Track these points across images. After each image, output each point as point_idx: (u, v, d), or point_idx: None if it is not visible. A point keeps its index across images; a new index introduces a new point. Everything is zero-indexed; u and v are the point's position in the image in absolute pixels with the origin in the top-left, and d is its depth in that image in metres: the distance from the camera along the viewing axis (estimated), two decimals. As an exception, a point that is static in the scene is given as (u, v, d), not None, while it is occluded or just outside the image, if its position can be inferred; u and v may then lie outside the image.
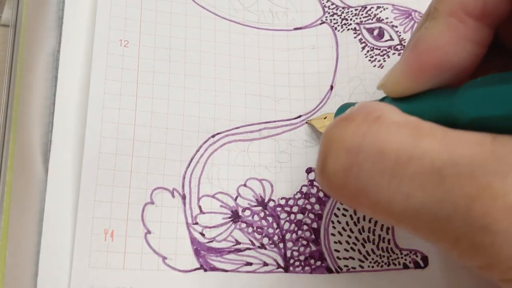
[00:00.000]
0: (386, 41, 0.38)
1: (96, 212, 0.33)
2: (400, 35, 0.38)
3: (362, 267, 0.33)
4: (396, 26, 0.38)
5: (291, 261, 0.33)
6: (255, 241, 0.33)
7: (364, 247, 0.33)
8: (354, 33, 0.38)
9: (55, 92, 0.35)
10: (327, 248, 0.33)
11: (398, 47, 0.37)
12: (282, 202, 0.34)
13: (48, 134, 0.34)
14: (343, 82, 0.37)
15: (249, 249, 0.33)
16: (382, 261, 0.33)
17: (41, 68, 0.36)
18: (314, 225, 0.34)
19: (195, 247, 0.33)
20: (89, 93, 0.35)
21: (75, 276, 0.31)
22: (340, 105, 0.33)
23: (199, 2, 0.39)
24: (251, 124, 0.36)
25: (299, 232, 0.34)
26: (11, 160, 0.33)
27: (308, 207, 0.34)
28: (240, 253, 0.33)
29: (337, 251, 0.33)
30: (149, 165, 0.34)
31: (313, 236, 0.33)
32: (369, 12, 0.39)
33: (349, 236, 0.34)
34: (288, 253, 0.33)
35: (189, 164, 0.34)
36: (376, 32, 0.38)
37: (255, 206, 0.34)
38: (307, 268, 0.33)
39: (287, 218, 0.34)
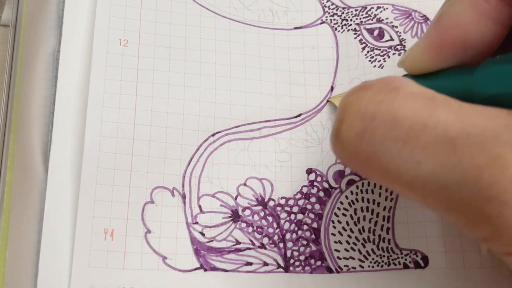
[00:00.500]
0: (386, 41, 0.38)
1: (96, 211, 0.33)
2: (400, 35, 0.38)
3: (362, 267, 0.33)
4: (396, 27, 0.38)
5: (291, 261, 0.33)
6: (255, 241, 0.33)
7: (364, 247, 0.33)
8: (354, 33, 0.38)
9: (55, 92, 0.35)
10: (327, 248, 0.33)
11: (399, 47, 0.37)
12: (282, 201, 0.34)
13: (48, 134, 0.34)
14: (344, 84, 0.37)
15: (249, 249, 0.33)
16: (382, 261, 0.33)
17: (41, 68, 0.35)
18: (314, 225, 0.34)
19: (195, 246, 0.33)
20: (89, 92, 0.35)
21: (75, 276, 0.31)
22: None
23: (199, 1, 0.39)
24: (252, 123, 0.36)
25: (299, 232, 0.34)
26: (11, 160, 0.33)
27: (309, 207, 0.34)
28: (240, 253, 0.33)
29: (337, 251, 0.33)
30: (149, 164, 0.34)
31: (313, 236, 0.33)
32: (369, 13, 0.39)
33: (349, 236, 0.34)
34: (288, 253, 0.33)
35: (189, 163, 0.34)
36: (376, 32, 0.38)
37: (255, 205, 0.34)
38: (307, 268, 0.33)
39: (287, 218, 0.34)
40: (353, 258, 0.33)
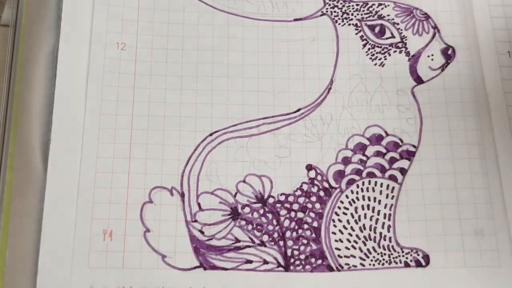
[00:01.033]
0: (387, 38, 0.37)
1: (94, 213, 0.33)
2: (401, 33, 0.37)
3: (363, 265, 0.33)
4: (398, 24, 0.37)
5: (292, 260, 0.33)
6: (255, 239, 0.33)
7: (365, 245, 0.33)
8: (356, 29, 0.37)
9: (54, 91, 0.35)
10: (328, 247, 0.33)
11: (400, 44, 0.37)
12: (282, 198, 0.34)
13: (48, 133, 0.34)
14: (344, 78, 0.36)
15: (249, 246, 0.33)
16: (383, 259, 0.33)
17: (41, 67, 0.35)
18: (315, 224, 0.33)
19: (194, 245, 0.33)
20: (86, 99, 0.35)
21: (75, 276, 0.32)
22: None
23: None
24: (249, 121, 0.35)
25: (300, 231, 0.33)
26: (11, 159, 0.33)
27: (309, 205, 0.34)
28: (240, 251, 0.33)
29: (338, 249, 0.33)
30: (147, 166, 0.34)
31: (313, 235, 0.33)
32: (371, 9, 0.38)
33: (350, 234, 0.33)
34: (289, 252, 0.33)
35: (187, 163, 0.34)
36: (377, 29, 0.37)
37: (254, 203, 0.34)
38: (307, 266, 0.33)
39: (287, 215, 0.34)
40: (354, 257, 0.33)
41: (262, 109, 0.36)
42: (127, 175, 0.34)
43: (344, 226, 0.33)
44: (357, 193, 0.34)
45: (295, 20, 0.38)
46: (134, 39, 0.37)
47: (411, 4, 0.38)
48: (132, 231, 0.33)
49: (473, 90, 0.36)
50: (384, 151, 0.35)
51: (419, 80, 0.36)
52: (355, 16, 0.38)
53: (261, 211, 0.34)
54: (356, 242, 0.33)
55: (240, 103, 0.36)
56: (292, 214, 0.34)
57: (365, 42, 0.37)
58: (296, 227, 0.33)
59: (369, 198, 0.34)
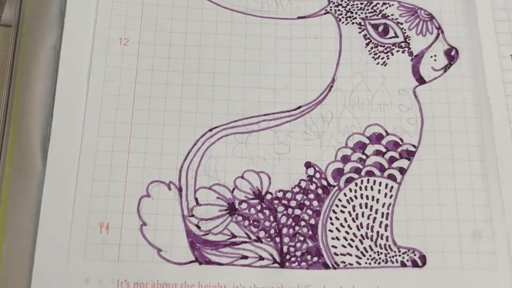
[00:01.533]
0: (390, 38, 0.37)
1: (92, 206, 0.33)
2: (405, 32, 0.37)
3: (359, 263, 0.33)
4: (402, 23, 0.37)
5: (287, 256, 0.33)
6: (251, 235, 0.33)
7: (362, 243, 0.33)
8: (359, 28, 0.37)
9: (56, 86, 0.35)
10: (324, 244, 0.33)
11: (403, 44, 0.37)
12: (280, 194, 0.34)
13: (48, 127, 0.34)
14: (346, 77, 0.36)
15: (245, 242, 0.33)
16: (380, 258, 0.33)
17: (42, 62, 0.36)
18: (312, 221, 0.33)
19: (190, 239, 0.33)
20: (88, 94, 0.35)
21: (71, 268, 0.32)
22: None
23: None
24: (250, 117, 0.35)
25: (296, 228, 0.33)
26: (10, 152, 0.34)
27: (307, 203, 0.34)
28: (235, 246, 0.33)
29: (335, 247, 0.33)
30: (145, 160, 0.34)
31: (310, 232, 0.33)
32: (375, 8, 0.38)
33: (347, 233, 0.33)
34: (285, 249, 0.33)
35: (185, 158, 0.34)
36: (381, 28, 0.37)
37: (252, 198, 0.34)
38: (303, 263, 0.33)
39: (284, 212, 0.33)
40: (350, 255, 0.33)
41: (262, 106, 0.36)
42: (125, 169, 0.34)
43: (341, 224, 0.33)
44: (355, 191, 0.34)
45: (299, 18, 0.38)
46: (137, 35, 0.37)
47: (416, 4, 0.38)
48: (129, 224, 0.33)
49: (475, 92, 0.36)
50: (384, 150, 0.35)
51: (421, 80, 0.36)
52: (359, 15, 0.38)
53: (258, 207, 0.34)
54: (353, 241, 0.33)
55: (241, 99, 0.36)
56: (290, 210, 0.34)
57: (368, 41, 0.37)
58: (293, 224, 0.33)
59: (367, 197, 0.34)
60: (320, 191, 0.34)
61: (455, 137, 0.35)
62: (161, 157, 0.34)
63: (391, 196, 0.34)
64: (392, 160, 0.35)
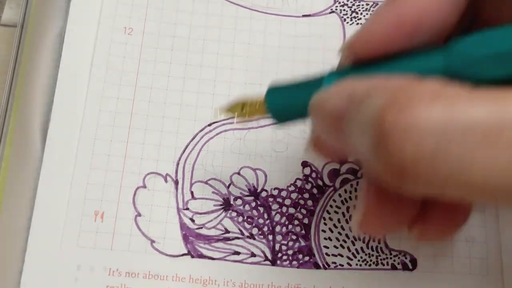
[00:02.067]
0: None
1: (88, 194, 0.33)
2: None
3: (350, 264, 0.33)
4: (404, 26, 0.37)
5: (279, 254, 0.33)
6: (244, 231, 0.33)
7: (354, 244, 0.33)
8: (362, 29, 0.37)
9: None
10: (316, 244, 0.33)
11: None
12: (275, 192, 0.34)
13: (49, 113, 0.35)
14: (346, 77, 0.36)
15: (238, 238, 0.33)
16: (371, 260, 0.33)
17: (47, 49, 0.36)
18: (305, 220, 0.34)
19: (184, 232, 0.33)
20: (89, 81, 0.35)
21: (64, 254, 0.32)
22: (271, 86, 0.29)
23: None
24: (250, 113, 0.35)
25: (290, 226, 0.33)
26: (10, 136, 0.34)
27: (301, 202, 0.34)
28: (228, 242, 0.33)
29: (327, 247, 0.33)
30: (143, 151, 0.34)
31: (303, 232, 0.33)
32: None
33: (340, 233, 0.33)
34: (277, 247, 0.33)
35: (183, 151, 0.34)
36: (383, 30, 0.37)
37: (247, 195, 0.34)
38: (294, 262, 0.33)
39: (279, 210, 0.34)
40: (342, 256, 0.33)
41: None
42: (123, 159, 0.34)
43: (334, 225, 0.33)
44: (350, 192, 0.34)
45: (304, 16, 0.38)
46: (141, 24, 0.37)
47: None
48: (124, 214, 0.33)
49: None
50: (381, 153, 0.35)
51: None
52: (364, 16, 0.38)
53: (253, 204, 0.34)
54: (345, 242, 0.33)
55: (242, 95, 0.36)
56: (284, 209, 0.34)
57: (370, 42, 0.37)
58: (287, 222, 0.33)
59: (361, 199, 0.34)
60: (315, 190, 0.34)
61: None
62: (159, 149, 0.34)
63: (385, 199, 0.34)
64: (388, 163, 0.35)
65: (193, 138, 0.35)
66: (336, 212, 0.34)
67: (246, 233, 0.33)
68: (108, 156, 0.34)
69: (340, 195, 0.34)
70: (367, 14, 0.38)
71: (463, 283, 0.32)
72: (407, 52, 0.23)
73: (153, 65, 0.36)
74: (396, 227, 0.26)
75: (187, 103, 0.35)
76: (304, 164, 0.35)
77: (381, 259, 0.33)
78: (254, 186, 0.34)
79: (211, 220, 0.33)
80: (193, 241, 0.33)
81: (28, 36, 0.36)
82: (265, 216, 0.34)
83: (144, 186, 0.34)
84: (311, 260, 0.33)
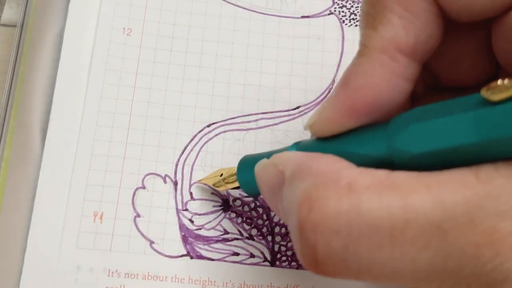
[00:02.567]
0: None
1: (87, 194, 0.33)
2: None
3: (348, 265, 0.33)
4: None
5: (278, 255, 0.33)
6: (243, 232, 0.33)
7: (352, 246, 0.33)
8: (361, 31, 0.38)
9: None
10: (314, 245, 0.33)
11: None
12: (275, 194, 0.34)
13: (49, 113, 0.35)
14: (345, 79, 0.36)
15: (237, 239, 0.33)
16: (369, 261, 0.33)
17: (47, 48, 0.36)
18: (304, 221, 0.34)
19: (183, 233, 0.33)
20: (88, 82, 0.35)
21: (63, 255, 0.32)
22: (242, 158, 0.31)
23: None
24: (248, 115, 0.35)
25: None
26: (10, 136, 0.34)
27: (299, 202, 0.34)
28: (227, 242, 0.33)
29: (325, 248, 0.33)
30: (142, 152, 0.34)
31: (301, 232, 0.33)
32: None
33: (338, 234, 0.33)
34: (276, 247, 0.33)
35: (182, 152, 0.34)
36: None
37: (246, 196, 0.34)
38: (293, 263, 0.33)
39: (278, 211, 0.34)
40: (340, 257, 0.33)
41: (262, 104, 0.36)
42: (122, 160, 0.34)
43: (332, 226, 0.34)
44: (348, 194, 0.34)
45: (303, 17, 0.38)
46: (140, 25, 0.37)
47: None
48: (123, 215, 0.33)
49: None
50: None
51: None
52: (363, 18, 0.38)
53: (252, 205, 0.34)
54: (344, 243, 0.33)
55: (241, 96, 0.36)
56: (283, 210, 0.34)
57: (370, 44, 0.37)
58: (286, 224, 0.34)
59: (360, 200, 0.34)
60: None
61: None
62: (159, 150, 0.34)
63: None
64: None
65: (192, 139, 0.35)
66: (335, 213, 0.34)
67: (245, 234, 0.33)
68: (107, 157, 0.34)
69: (338, 197, 0.34)
70: (366, 15, 0.38)
71: None
72: (362, 128, 0.23)
73: (152, 65, 0.36)
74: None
75: (186, 104, 0.35)
76: (303, 165, 0.35)
77: (379, 260, 0.33)
78: (253, 187, 0.34)
79: (210, 221, 0.33)
80: (192, 242, 0.33)
81: (28, 36, 0.36)
82: (264, 217, 0.34)
83: (143, 187, 0.34)
84: (310, 261, 0.33)
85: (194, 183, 0.34)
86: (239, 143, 0.35)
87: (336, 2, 0.38)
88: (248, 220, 0.34)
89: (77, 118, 0.34)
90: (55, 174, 0.33)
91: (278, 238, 0.33)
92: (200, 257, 0.33)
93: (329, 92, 0.36)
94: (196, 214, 0.33)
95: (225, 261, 0.33)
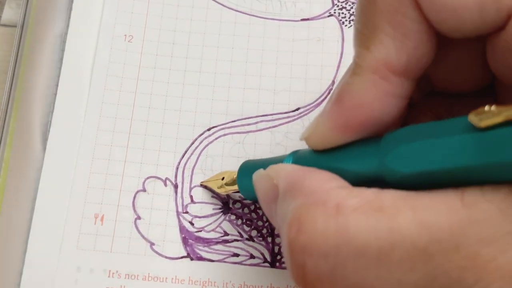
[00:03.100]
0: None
1: (88, 197, 0.34)
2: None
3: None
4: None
5: (278, 256, 0.33)
6: (243, 233, 0.34)
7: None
8: (360, 31, 0.38)
9: (59, 74, 0.36)
10: (314, 246, 0.33)
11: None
12: (275, 195, 0.34)
13: (49, 114, 0.35)
14: (344, 79, 0.37)
15: (237, 240, 0.33)
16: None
17: (48, 49, 0.37)
18: (302, 222, 0.34)
19: (183, 235, 0.33)
20: (90, 88, 0.36)
21: (63, 256, 0.33)
22: (243, 164, 0.32)
23: None
24: (248, 118, 0.36)
25: (287, 228, 0.34)
26: (11, 137, 0.34)
27: (298, 203, 0.34)
28: (227, 244, 0.33)
29: (325, 249, 0.33)
30: (143, 156, 0.35)
31: (300, 233, 0.33)
32: None
33: (337, 235, 0.33)
34: (276, 249, 0.33)
35: (183, 156, 0.35)
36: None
37: (246, 199, 0.34)
38: (292, 264, 0.33)
39: (278, 212, 0.34)
40: (340, 257, 0.33)
41: (261, 107, 0.36)
42: (123, 163, 0.35)
43: (331, 227, 0.34)
44: (348, 194, 0.34)
45: (302, 20, 0.38)
46: (141, 32, 0.38)
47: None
48: (123, 217, 0.34)
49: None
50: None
51: (421, 86, 0.36)
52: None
53: (252, 207, 0.34)
54: (343, 243, 0.33)
55: (241, 100, 0.36)
56: (282, 211, 0.34)
57: (368, 45, 0.37)
58: (285, 225, 0.34)
59: (359, 201, 0.34)
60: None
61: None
62: (159, 153, 0.35)
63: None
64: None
65: (192, 143, 0.35)
66: (334, 214, 0.34)
67: (245, 236, 0.34)
68: (108, 160, 0.35)
69: (337, 197, 0.34)
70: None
71: None
72: (357, 143, 0.24)
73: (153, 71, 0.37)
74: None
75: (187, 108, 0.36)
76: (303, 166, 0.35)
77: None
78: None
79: (210, 224, 0.34)
80: (193, 243, 0.33)
81: (28, 37, 0.37)
82: (264, 218, 0.34)
83: (144, 190, 0.34)
84: (309, 261, 0.33)
85: (195, 186, 0.34)
86: (239, 146, 0.35)
87: (336, 4, 0.39)
88: (248, 222, 0.34)
89: (79, 122, 0.35)
90: (57, 177, 0.34)
91: (278, 240, 0.33)
92: (200, 258, 0.33)
93: (328, 93, 0.36)
94: (196, 216, 0.34)
95: (225, 262, 0.33)
